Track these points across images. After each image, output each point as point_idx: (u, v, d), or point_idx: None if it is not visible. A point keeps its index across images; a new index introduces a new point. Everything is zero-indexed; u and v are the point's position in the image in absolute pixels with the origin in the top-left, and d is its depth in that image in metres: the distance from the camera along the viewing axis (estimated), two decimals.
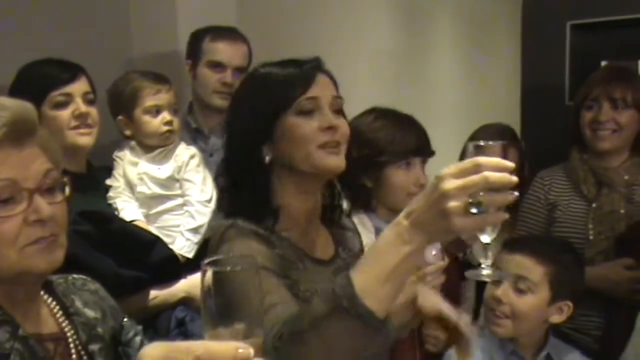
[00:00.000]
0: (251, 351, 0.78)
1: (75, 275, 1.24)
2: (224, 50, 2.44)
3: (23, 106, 1.06)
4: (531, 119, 4.05)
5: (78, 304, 1.17)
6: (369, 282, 1.09)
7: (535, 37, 4.12)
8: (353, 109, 1.75)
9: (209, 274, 0.83)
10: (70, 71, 2.01)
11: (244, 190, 1.45)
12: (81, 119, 1.99)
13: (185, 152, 2.18)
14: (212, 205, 2.15)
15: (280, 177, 1.46)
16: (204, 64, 2.46)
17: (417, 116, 2.19)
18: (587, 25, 3.98)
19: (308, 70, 1.45)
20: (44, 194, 1.04)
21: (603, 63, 3.87)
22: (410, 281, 1.46)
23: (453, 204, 1.04)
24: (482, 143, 1.09)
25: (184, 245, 2.10)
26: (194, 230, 2.12)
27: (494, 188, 1.04)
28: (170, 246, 2.07)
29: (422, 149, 2.02)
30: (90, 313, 1.17)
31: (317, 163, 1.42)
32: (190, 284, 2.07)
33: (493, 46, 4.05)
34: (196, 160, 2.18)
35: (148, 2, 2.78)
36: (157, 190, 2.15)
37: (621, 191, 2.33)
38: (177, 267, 2.07)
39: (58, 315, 1.13)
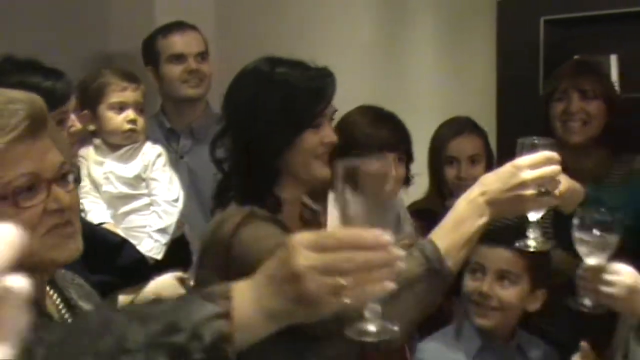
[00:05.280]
0: (389, 238, 0.81)
1: (63, 270, 1.22)
2: (179, 41, 2.34)
3: (34, 98, 1.05)
4: (507, 112, 3.94)
5: (75, 296, 1.17)
6: (450, 247, 1.24)
7: (510, 32, 4.00)
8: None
9: (351, 170, 0.82)
10: (64, 83, 1.73)
11: (254, 181, 1.46)
12: (76, 135, 1.79)
13: (151, 151, 2.05)
14: (180, 205, 2.01)
15: (283, 175, 1.49)
16: (165, 62, 2.34)
17: (395, 109, 2.12)
18: (560, 20, 3.87)
19: (327, 86, 1.48)
20: (59, 184, 1.04)
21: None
22: None
23: (530, 191, 1.23)
24: (535, 140, 1.28)
25: (152, 247, 1.96)
26: (162, 231, 1.98)
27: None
28: (138, 248, 1.93)
29: (393, 145, 1.97)
30: (86, 306, 1.17)
31: (314, 173, 1.47)
32: (159, 285, 1.92)
33: (470, 40, 3.96)
34: (163, 159, 2.05)
35: (126, 1, 2.66)
36: (124, 189, 2.02)
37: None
38: (145, 270, 1.93)
39: (60, 307, 1.13)
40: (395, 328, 0.90)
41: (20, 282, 0.39)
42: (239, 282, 0.85)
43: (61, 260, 1.05)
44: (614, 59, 3.73)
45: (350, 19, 3.23)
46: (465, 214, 1.26)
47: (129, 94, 2.03)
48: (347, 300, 0.83)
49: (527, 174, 1.24)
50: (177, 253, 2.02)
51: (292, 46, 1.46)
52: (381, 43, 3.36)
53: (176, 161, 2.28)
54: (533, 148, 1.27)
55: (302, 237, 0.82)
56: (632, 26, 3.64)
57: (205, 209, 2.23)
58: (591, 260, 1.34)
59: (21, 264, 0.96)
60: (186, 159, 2.35)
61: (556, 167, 1.26)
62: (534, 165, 1.25)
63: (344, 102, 2.05)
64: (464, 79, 3.85)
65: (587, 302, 1.41)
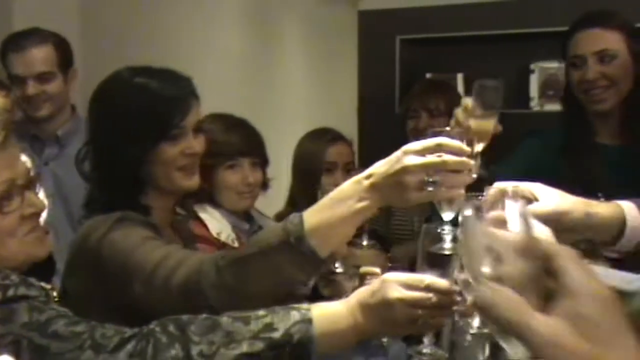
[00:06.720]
0: (456, 289, 1.08)
1: None
2: (17, 63, 2.23)
3: (2, 106, 1.06)
4: (367, 126, 4.09)
5: None
6: (319, 225, 1.16)
7: (370, 49, 4.17)
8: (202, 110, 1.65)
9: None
10: None
11: (117, 191, 1.45)
12: None
13: None
14: (44, 215, 1.91)
15: (148, 185, 1.48)
16: (10, 78, 2.26)
17: (264, 118, 2.12)
18: (415, 40, 4.09)
19: (186, 96, 1.45)
20: (30, 189, 1.10)
21: (428, 75, 3.99)
22: None
23: (411, 178, 1.12)
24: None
25: None
26: None
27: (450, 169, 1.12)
28: None
29: (248, 150, 1.98)
30: None
31: (176, 184, 1.47)
32: None
33: (335, 55, 4.06)
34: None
35: None
36: None
37: None
38: None
39: None
40: (444, 353, 1.21)
41: None
42: (327, 303, 1.12)
43: (40, 255, 1.15)
44: (460, 77, 4.02)
45: (220, 29, 3.22)
46: (346, 194, 1.16)
47: None
48: (418, 327, 1.12)
49: (410, 160, 1.12)
50: (40, 261, 1.92)
51: (159, 51, 1.46)
52: (250, 54, 3.39)
53: (40, 168, 2.18)
54: (436, 134, 1.16)
55: (396, 276, 1.10)
56: (476, 48, 3.94)
57: (71, 216, 2.16)
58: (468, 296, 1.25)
59: (5, 266, 1.02)
60: (52, 165, 2.27)
61: (449, 158, 1.12)
62: (422, 151, 1.13)
63: (212, 109, 2.04)
64: (329, 91, 3.96)
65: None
